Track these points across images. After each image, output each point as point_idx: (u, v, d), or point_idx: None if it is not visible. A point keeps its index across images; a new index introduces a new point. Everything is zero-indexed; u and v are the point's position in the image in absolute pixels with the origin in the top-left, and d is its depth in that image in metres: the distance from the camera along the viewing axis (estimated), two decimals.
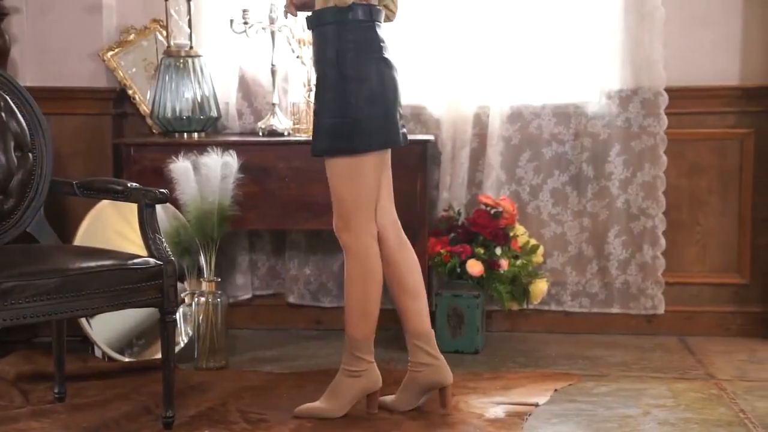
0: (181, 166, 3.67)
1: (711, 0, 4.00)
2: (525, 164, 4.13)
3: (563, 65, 4.04)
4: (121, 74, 4.14)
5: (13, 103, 3.32)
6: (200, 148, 3.81)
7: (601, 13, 4.00)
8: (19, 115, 3.32)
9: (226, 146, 3.77)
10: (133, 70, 4.18)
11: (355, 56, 3.04)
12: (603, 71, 4.03)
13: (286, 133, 3.98)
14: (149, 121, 4.16)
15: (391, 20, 3.25)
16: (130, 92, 4.16)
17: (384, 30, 3.12)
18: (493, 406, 3.29)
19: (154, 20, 4.17)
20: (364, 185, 3.10)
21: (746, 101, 4.01)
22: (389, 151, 3.18)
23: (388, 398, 3.24)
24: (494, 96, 4.06)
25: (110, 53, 4.13)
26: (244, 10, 3.94)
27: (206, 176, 3.67)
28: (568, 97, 4.07)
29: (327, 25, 3.08)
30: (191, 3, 3.99)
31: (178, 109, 3.97)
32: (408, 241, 3.24)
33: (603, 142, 4.07)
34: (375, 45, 3.06)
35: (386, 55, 3.09)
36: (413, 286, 3.19)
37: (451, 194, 4.12)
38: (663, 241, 4.07)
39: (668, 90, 3.99)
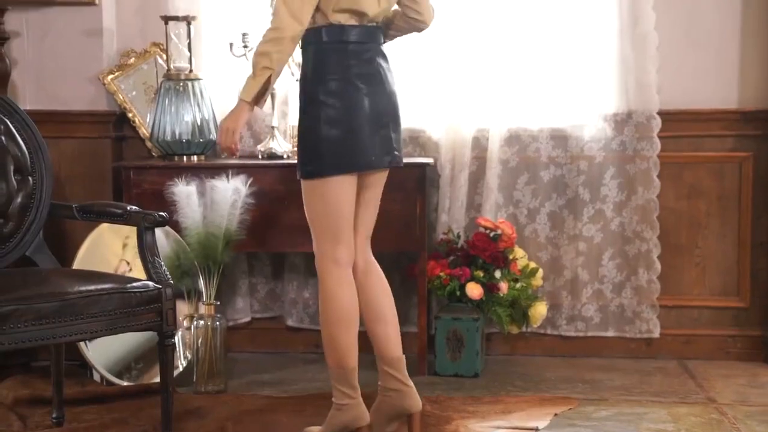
0: (183, 190, 3.67)
1: (708, 24, 4.01)
2: (523, 187, 4.14)
3: (560, 89, 4.06)
4: (121, 97, 4.16)
5: (13, 126, 3.33)
6: (200, 171, 3.81)
7: (596, 37, 4.02)
8: (19, 139, 3.32)
9: (226, 169, 3.77)
10: (133, 93, 4.19)
11: (317, 79, 3.02)
12: (599, 95, 4.05)
13: (285, 156, 3.99)
14: (149, 144, 4.17)
15: (422, 29, 3.20)
16: (129, 115, 4.17)
17: (366, 50, 3.04)
18: (492, 430, 3.28)
19: (155, 44, 4.19)
20: (327, 209, 3.05)
21: (744, 125, 4.02)
22: (369, 174, 3.11)
23: None
24: (492, 119, 4.08)
25: (110, 77, 4.14)
26: (244, 34, 3.96)
27: (214, 200, 3.66)
28: (565, 120, 4.09)
29: (303, 46, 3.08)
30: (191, 27, 4.00)
31: (177, 132, 3.98)
32: (377, 266, 3.19)
33: (598, 165, 4.08)
34: (339, 67, 3.00)
35: (355, 76, 3.01)
36: (382, 311, 3.14)
37: (450, 217, 4.13)
38: (658, 265, 4.07)
39: (666, 113, 4.01)
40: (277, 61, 2.95)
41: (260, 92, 3.01)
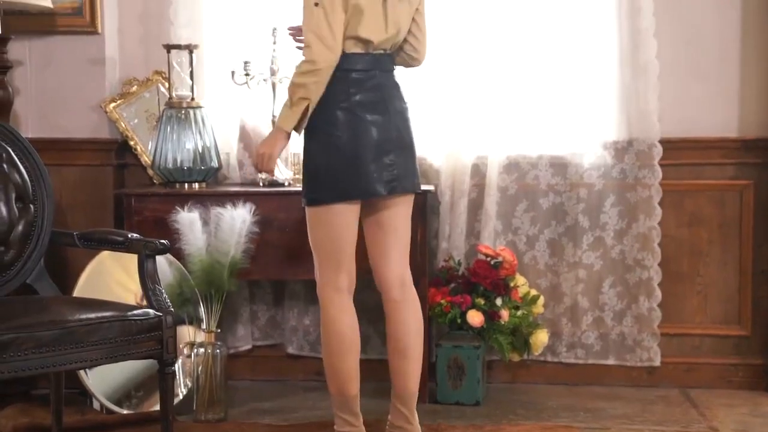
0: (186, 217, 3.66)
1: (708, 52, 4.03)
2: (522, 214, 4.14)
3: (560, 116, 4.07)
4: (123, 125, 4.17)
5: (15, 154, 3.34)
6: (202, 198, 3.82)
7: (596, 65, 4.04)
8: (21, 167, 3.34)
9: (228, 196, 3.78)
10: (135, 121, 4.20)
11: (320, 108, 3.04)
12: (599, 123, 4.06)
13: (286, 184, 3.99)
14: (150, 172, 4.17)
15: (415, 65, 3.26)
16: (131, 143, 4.19)
17: (371, 77, 3.07)
18: None
19: (157, 72, 4.21)
20: (329, 236, 3.08)
21: (745, 153, 4.03)
22: (378, 201, 3.13)
23: None
24: (492, 146, 4.09)
25: (112, 105, 4.16)
26: (246, 62, 3.98)
27: (220, 228, 3.66)
28: (564, 148, 4.10)
29: None
30: (193, 55, 4.02)
31: (179, 160, 3.99)
32: (416, 301, 3.21)
33: (598, 192, 4.08)
34: (342, 96, 3.04)
35: (357, 105, 3.03)
36: (405, 346, 3.15)
37: (451, 244, 4.13)
38: (659, 293, 4.07)
39: (667, 141, 4.01)
40: (314, 92, 3.00)
41: (299, 121, 3.05)
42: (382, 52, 3.11)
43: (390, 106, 3.09)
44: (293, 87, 3.01)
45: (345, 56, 3.03)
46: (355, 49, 3.05)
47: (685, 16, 4.01)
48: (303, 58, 3.00)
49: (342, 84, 3.04)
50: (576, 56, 4.04)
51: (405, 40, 3.19)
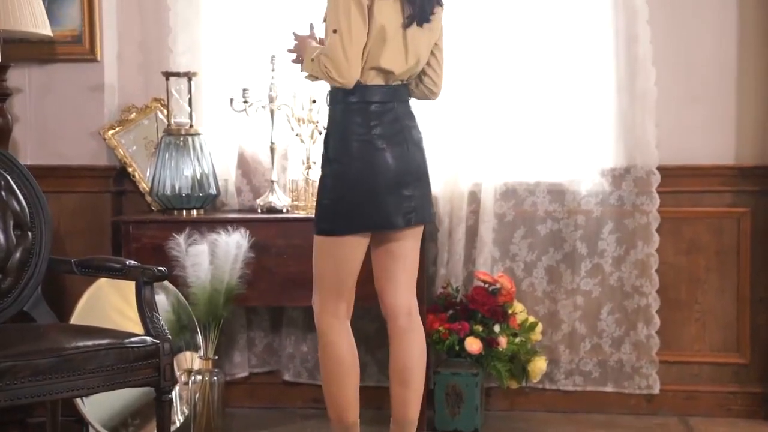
0: (195, 249, 3.66)
1: (705, 80, 4.04)
2: (519, 241, 4.14)
3: (557, 143, 4.08)
4: (122, 152, 4.18)
5: (14, 182, 3.35)
6: (200, 225, 3.82)
7: (594, 92, 4.05)
8: (20, 194, 3.35)
9: (226, 223, 3.79)
10: (134, 148, 4.21)
11: (336, 139, 3.07)
12: (596, 150, 4.07)
13: (284, 210, 4.00)
14: (148, 199, 4.18)
15: (432, 99, 3.29)
16: (130, 170, 4.19)
17: (389, 109, 3.09)
18: None
19: (156, 99, 4.22)
20: (337, 267, 3.10)
21: (742, 180, 4.03)
22: (392, 232, 3.15)
23: None
24: (489, 173, 4.09)
25: (111, 132, 4.17)
26: (245, 89, 3.99)
27: (215, 255, 3.67)
28: (562, 174, 4.10)
29: (330, 104, 3.13)
30: (192, 82, 4.04)
31: (177, 187, 3.99)
32: (421, 330, 3.22)
33: (596, 219, 4.09)
34: (361, 127, 3.05)
35: (376, 137, 3.05)
36: (408, 375, 3.16)
37: (449, 271, 4.13)
38: (657, 320, 4.06)
39: (664, 169, 4.02)
40: (318, 72, 3.03)
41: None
42: (399, 82, 3.13)
43: (408, 137, 3.12)
44: (317, 66, 3.02)
45: (365, 88, 3.05)
46: (376, 80, 3.07)
47: (682, 45, 4.03)
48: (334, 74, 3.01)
49: (361, 116, 3.06)
50: (574, 83, 4.06)
51: (425, 73, 3.22)
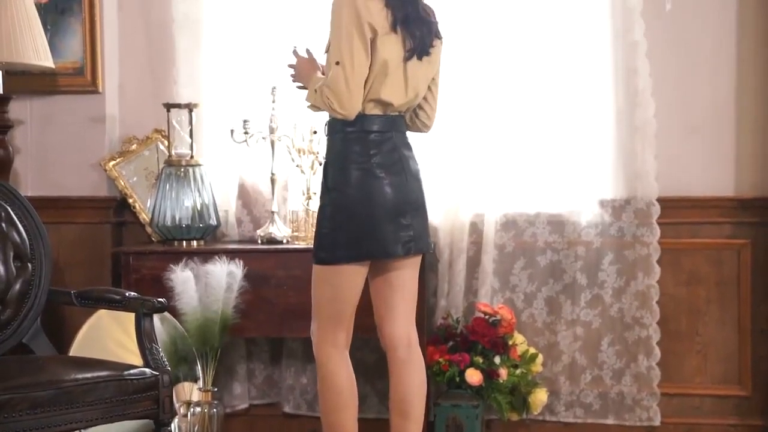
0: (181, 276, 3.67)
1: (704, 112, 4.05)
2: (519, 272, 4.14)
3: (557, 174, 4.09)
4: (122, 183, 4.19)
5: (14, 213, 3.36)
6: (200, 256, 3.82)
7: (594, 124, 4.07)
8: (20, 226, 3.35)
9: (225, 254, 3.78)
10: (134, 179, 4.22)
11: (335, 168, 3.08)
12: (596, 181, 4.08)
13: (284, 241, 4.00)
14: (149, 230, 4.18)
15: (424, 131, 3.31)
16: (130, 201, 4.20)
17: (387, 138, 3.11)
18: None
19: (157, 130, 4.24)
20: (336, 296, 3.10)
21: (742, 212, 4.03)
22: (390, 261, 3.15)
23: None
24: (489, 204, 4.10)
25: (112, 163, 4.18)
26: (245, 121, 4.00)
27: (209, 285, 3.67)
28: (562, 205, 4.11)
29: (329, 134, 3.14)
30: (193, 113, 4.05)
31: (177, 218, 3.99)
32: (421, 361, 3.21)
33: (596, 250, 4.09)
34: (361, 156, 3.07)
35: (375, 166, 3.06)
36: (407, 406, 3.15)
37: (449, 302, 4.12)
38: (658, 352, 4.04)
39: (664, 200, 4.02)
40: (320, 103, 3.04)
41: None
42: (397, 113, 3.14)
43: (406, 166, 3.13)
44: (320, 97, 3.03)
45: (364, 117, 3.07)
46: (374, 110, 3.08)
47: (682, 77, 4.04)
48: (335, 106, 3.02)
49: (360, 145, 3.07)
50: (574, 115, 4.07)
51: (420, 107, 3.24)
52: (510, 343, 4.00)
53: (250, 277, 3.75)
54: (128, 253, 3.93)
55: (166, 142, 4.16)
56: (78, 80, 4.15)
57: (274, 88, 4.01)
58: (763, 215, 4.03)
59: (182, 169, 4.03)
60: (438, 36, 3.19)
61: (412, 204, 3.13)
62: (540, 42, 4.07)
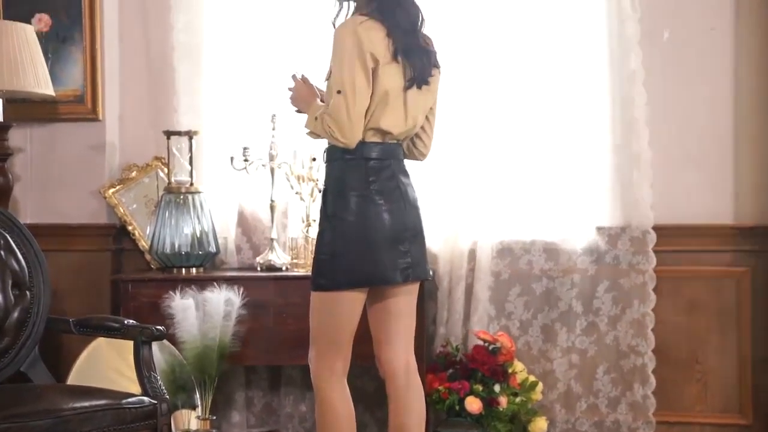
0: (179, 303, 3.67)
1: (702, 140, 4.06)
2: (515, 299, 4.14)
3: (553, 202, 4.10)
4: (122, 210, 4.20)
5: (13, 241, 3.36)
6: (199, 283, 3.82)
7: (590, 152, 4.08)
8: (19, 254, 3.35)
9: (224, 281, 3.78)
10: (134, 206, 4.23)
11: (333, 194, 3.08)
12: (592, 209, 4.09)
13: (284, 268, 4.00)
14: (148, 257, 4.18)
15: (420, 159, 3.32)
16: (129, 228, 4.21)
17: (386, 166, 3.11)
18: None
19: (157, 158, 4.25)
20: (335, 323, 3.08)
21: (741, 240, 4.03)
22: (388, 288, 3.16)
23: None
24: (485, 232, 4.11)
25: (111, 190, 4.19)
26: (245, 148, 4.01)
27: (207, 312, 3.66)
28: (557, 233, 4.11)
29: (328, 161, 3.15)
30: (193, 141, 4.07)
31: (177, 245, 4.00)
32: (420, 388, 3.20)
33: (591, 278, 4.08)
34: (359, 183, 3.07)
35: (374, 192, 3.06)
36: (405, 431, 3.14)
37: (448, 330, 4.11)
38: (653, 380, 4.02)
39: (663, 228, 4.02)
40: (321, 131, 3.04)
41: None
42: (395, 141, 3.16)
43: (405, 194, 3.14)
44: (321, 125, 3.04)
45: (363, 144, 3.07)
46: (374, 138, 3.09)
47: (679, 106, 4.06)
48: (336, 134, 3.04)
49: (359, 172, 3.08)
50: (570, 143, 4.08)
51: (418, 135, 3.25)
52: (510, 371, 3.99)
53: (249, 305, 3.76)
54: (127, 280, 3.93)
55: (166, 170, 4.17)
56: (78, 108, 4.17)
57: (274, 115, 4.03)
58: (763, 244, 4.03)
59: (182, 197, 4.04)
60: (436, 65, 3.21)
61: (411, 231, 3.13)
62: (537, 70, 4.09)
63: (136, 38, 4.29)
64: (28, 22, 4.06)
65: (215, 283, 3.73)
